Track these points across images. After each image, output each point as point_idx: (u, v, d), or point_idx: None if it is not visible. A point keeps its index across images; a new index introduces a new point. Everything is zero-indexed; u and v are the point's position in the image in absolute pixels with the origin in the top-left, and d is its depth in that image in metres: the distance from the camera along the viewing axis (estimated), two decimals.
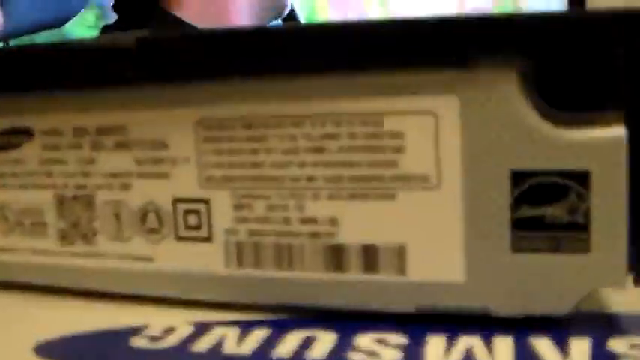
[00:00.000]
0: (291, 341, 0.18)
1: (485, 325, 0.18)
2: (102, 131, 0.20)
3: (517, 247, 0.17)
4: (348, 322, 0.18)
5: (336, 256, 0.18)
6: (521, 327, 0.17)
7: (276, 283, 0.19)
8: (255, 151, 0.19)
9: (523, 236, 0.17)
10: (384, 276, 0.18)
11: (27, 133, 0.21)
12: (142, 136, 0.20)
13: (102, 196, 0.20)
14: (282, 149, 0.18)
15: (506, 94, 0.17)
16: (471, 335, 0.17)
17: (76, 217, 0.21)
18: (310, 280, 0.19)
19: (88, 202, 0.20)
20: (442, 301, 0.18)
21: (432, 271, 0.18)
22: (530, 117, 0.17)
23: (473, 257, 0.18)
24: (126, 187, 0.20)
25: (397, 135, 0.18)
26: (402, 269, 0.18)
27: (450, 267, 0.18)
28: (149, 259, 0.20)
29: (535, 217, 0.17)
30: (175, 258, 0.20)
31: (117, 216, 0.20)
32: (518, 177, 0.17)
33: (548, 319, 0.17)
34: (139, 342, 0.18)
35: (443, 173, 0.17)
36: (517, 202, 0.17)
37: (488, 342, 0.17)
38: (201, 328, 0.19)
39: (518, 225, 0.17)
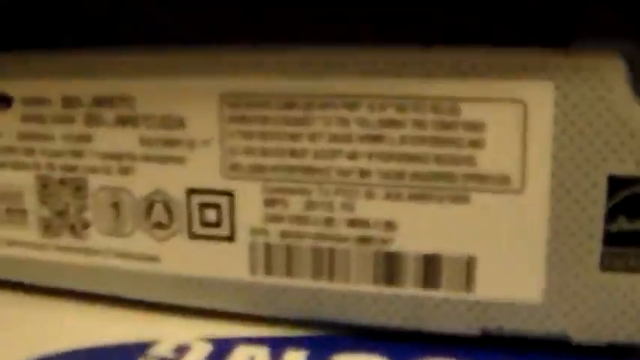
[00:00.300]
0: None
1: (562, 353, 0.15)
2: (100, 102, 0.16)
3: (607, 265, 0.15)
4: (401, 345, 0.16)
5: (390, 266, 0.15)
6: (603, 357, 0.15)
7: (312, 295, 0.16)
8: (294, 137, 0.15)
9: (616, 253, 0.15)
10: (446, 292, 0.15)
11: (4, 100, 0.17)
12: (152, 111, 0.16)
13: (96, 181, 0.16)
14: (329, 135, 0.15)
15: (609, 84, 0.14)
16: None
17: (63, 205, 0.17)
18: (356, 293, 0.16)
19: (79, 187, 0.17)
20: (513, 324, 0.15)
21: (504, 288, 0.15)
22: (637, 113, 0.14)
23: (554, 274, 0.15)
24: (128, 172, 0.16)
25: (476, 126, 0.15)
26: (468, 285, 0.15)
27: (526, 284, 0.15)
28: (154, 260, 0.16)
29: (632, 232, 0.15)
30: (187, 259, 0.16)
31: (115, 205, 0.16)
32: (616, 183, 0.14)
33: (635, 350, 0.15)
34: None
35: (528, 174, 0.15)
36: (612, 213, 0.15)
37: None
38: (222, 347, 0.15)
39: (612, 240, 0.15)
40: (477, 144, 0.15)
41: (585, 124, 0.14)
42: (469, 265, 0.15)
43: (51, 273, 0.17)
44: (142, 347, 0.15)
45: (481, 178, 0.15)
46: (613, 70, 0.14)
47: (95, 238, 0.17)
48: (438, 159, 0.15)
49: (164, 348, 0.15)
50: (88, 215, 0.17)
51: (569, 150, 0.14)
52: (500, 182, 0.15)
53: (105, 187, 0.16)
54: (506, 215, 0.15)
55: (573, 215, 0.15)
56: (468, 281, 0.15)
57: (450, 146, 0.15)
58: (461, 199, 0.15)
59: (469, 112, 0.15)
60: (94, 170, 0.16)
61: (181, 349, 0.15)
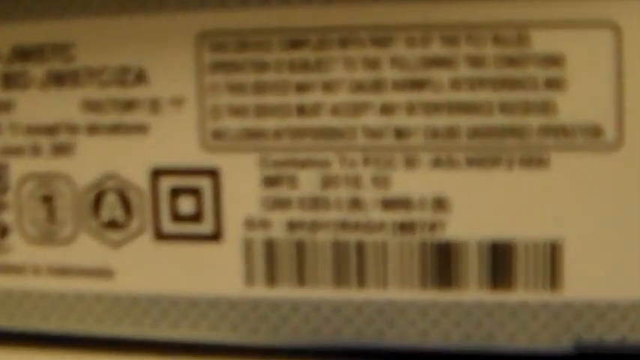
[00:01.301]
0: None
1: None
2: (25, 54, 0.13)
3: None
4: None
5: (444, 262, 0.12)
6: None
7: (335, 310, 0.12)
8: (303, 87, 0.12)
9: None
10: (523, 294, 0.12)
11: None
12: (99, 61, 0.12)
13: (20, 167, 0.13)
14: (352, 83, 0.12)
15: None
16: None
17: None
18: (397, 304, 0.12)
19: None
20: (619, 332, 0.12)
21: (602, 283, 0.12)
22: None
23: None
24: (66, 151, 0.13)
25: (553, 60, 0.12)
26: (554, 282, 0.12)
27: (632, 276, 0.12)
28: (106, 275, 0.13)
29: None
30: (154, 271, 0.13)
31: (47, 200, 0.13)
32: None
33: None
34: None
35: (626, 123, 0.12)
36: None
37: None
38: None
39: None
40: (555, 84, 0.12)
41: None
42: (553, 253, 0.12)
43: None
44: None
45: (563, 131, 0.12)
46: None
47: (19, 248, 0.13)
48: (504, 108, 0.12)
49: None
50: (7, 217, 0.13)
51: None
52: (589, 136, 0.12)
53: (33, 174, 0.13)
54: (599, 180, 0.12)
55: None
56: (553, 276, 0.12)
57: (519, 90, 0.12)
58: (537, 162, 0.12)
59: (543, 43, 0.12)
60: (16, 151, 0.13)
61: None
